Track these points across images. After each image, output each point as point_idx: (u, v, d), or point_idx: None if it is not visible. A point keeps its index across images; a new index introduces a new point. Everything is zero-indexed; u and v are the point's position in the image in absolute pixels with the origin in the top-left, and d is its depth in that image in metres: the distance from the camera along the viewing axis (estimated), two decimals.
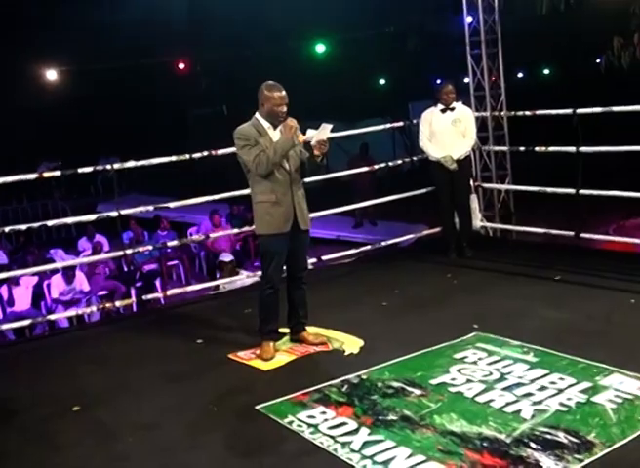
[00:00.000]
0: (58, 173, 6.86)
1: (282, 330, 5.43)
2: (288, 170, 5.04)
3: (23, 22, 18.34)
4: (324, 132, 4.97)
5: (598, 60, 11.34)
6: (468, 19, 8.63)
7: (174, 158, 6.78)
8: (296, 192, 5.09)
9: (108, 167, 6.70)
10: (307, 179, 7.31)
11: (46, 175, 6.69)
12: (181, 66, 19.53)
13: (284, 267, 5.23)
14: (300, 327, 5.37)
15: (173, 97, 21.03)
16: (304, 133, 5.02)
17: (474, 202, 7.93)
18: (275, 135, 5.05)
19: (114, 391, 4.84)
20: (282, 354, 5.18)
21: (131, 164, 6.73)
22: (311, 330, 5.46)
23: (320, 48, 18.99)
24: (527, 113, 7.82)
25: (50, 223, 6.69)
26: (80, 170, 6.50)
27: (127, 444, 4.09)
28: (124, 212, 6.74)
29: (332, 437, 3.88)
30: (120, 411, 4.52)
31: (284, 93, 5.01)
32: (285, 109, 5.00)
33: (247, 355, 5.21)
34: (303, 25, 17.24)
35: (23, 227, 6.52)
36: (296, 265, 5.26)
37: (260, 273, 6.23)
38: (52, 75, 18.33)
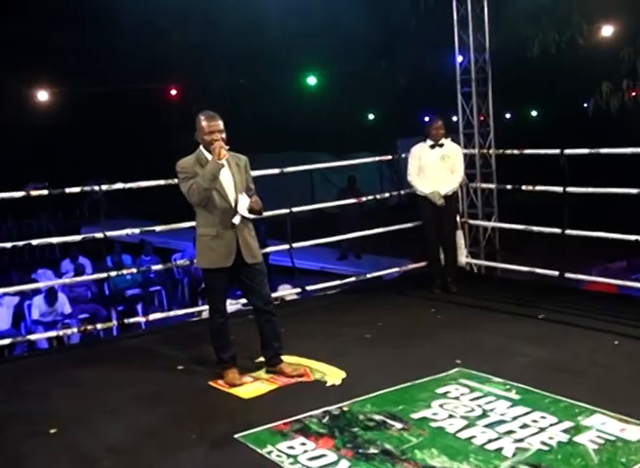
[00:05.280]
0: (45, 192, 6.83)
1: (259, 360, 5.42)
2: (231, 203, 4.99)
3: (16, 42, 18.39)
4: (243, 199, 5.02)
5: (586, 104, 11.52)
6: (459, 59, 8.73)
7: (162, 182, 6.75)
8: (240, 226, 5.03)
9: (96, 188, 6.68)
10: (295, 209, 7.41)
11: (33, 193, 6.65)
12: (173, 92, 19.62)
13: (227, 297, 5.28)
14: (277, 359, 5.29)
15: (163, 123, 21.08)
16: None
17: (460, 238, 7.96)
18: None
19: (92, 414, 4.78)
20: (263, 383, 5.14)
21: (119, 186, 6.72)
22: (293, 360, 5.43)
23: (311, 80, 19.12)
24: (515, 152, 7.88)
25: (34, 242, 6.63)
26: (68, 190, 6.48)
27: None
28: (109, 234, 6.72)
29: None
30: (97, 435, 4.45)
31: (216, 121, 4.98)
32: (217, 137, 4.93)
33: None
34: (296, 57, 17.37)
35: (8, 245, 6.46)
36: (258, 299, 5.17)
37: (243, 301, 6.24)
38: (43, 96, 18.30)
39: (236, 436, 4.25)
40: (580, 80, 13.63)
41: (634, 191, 6.51)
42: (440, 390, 4.81)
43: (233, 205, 5.00)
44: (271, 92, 18.41)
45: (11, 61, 18.03)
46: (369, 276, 8.10)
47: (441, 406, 4.56)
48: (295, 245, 7.45)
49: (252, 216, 5.09)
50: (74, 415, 4.78)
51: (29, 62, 18.27)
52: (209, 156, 4.98)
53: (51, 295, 10.00)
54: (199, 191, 4.90)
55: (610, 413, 4.27)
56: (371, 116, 26.12)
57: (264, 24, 15.19)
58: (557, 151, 7.11)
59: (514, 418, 4.31)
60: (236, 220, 5.00)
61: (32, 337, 7.69)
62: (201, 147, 5.06)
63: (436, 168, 7.29)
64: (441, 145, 7.33)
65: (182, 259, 11.91)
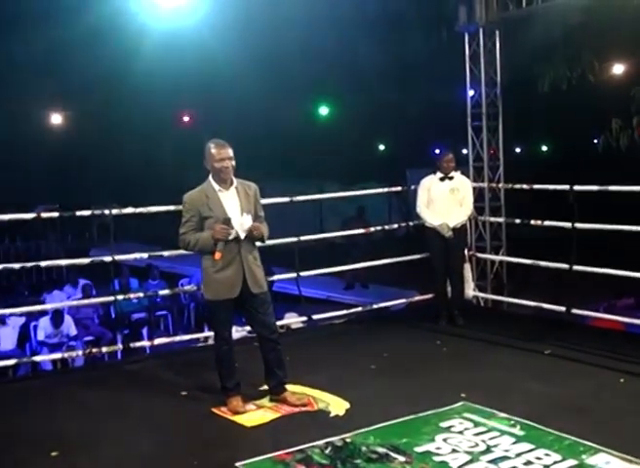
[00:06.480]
0: (56, 214, 6.87)
1: (263, 388, 5.40)
2: (238, 234, 4.97)
3: (29, 65, 18.57)
4: (246, 219, 4.98)
5: (596, 140, 11.57)
6: (470, 93, 8.81)
7: (172, 207, 6.78)
8: (246, 256, 5.02)
9: (106, 212, 6.71)
10: (303, 238, 7.42)
11: (44, 215, 6.69)
12: (186, 119, 19.78)
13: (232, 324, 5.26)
14: (281, 388, 5.27)
15: (174, 148, 21.21)
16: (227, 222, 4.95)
17: (467, 271, 7.95)
18: (226, 197, 5.02)
19: (94, 438, 4.76)
20: (267, 411, 5.12)
21: (129, 210, 6.75)
22: (297, 388, 5.42)
23: (324, 110, 19.26)
24: (524, 186, 7.89)
25: (43, 264, 6.66)
26: (78, 213, 6.52)
27: None
28: (118, 257, 6.74)
29: None
30: (99, 460, 4.44)
31: (226, 149, 5.00)
32: (227, 165, 4.96)
33: None
34: (309, 86, 17.51)
35: (17, 266, 6.49)
36: (263, 328, 5.18)
37: (248, 328, 6.24)
38: (56, 119, 18.47)
39: (238, 464, 4.23)
40: (590, 116, 13.71)
41: None
42: (444, 424, 4.77)
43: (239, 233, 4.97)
44: (283, 121, 18.53)
45: (25, 84, 18.22)
46: (375, 306, 8.09)
47: (445, 440, 4.53)
48: (302, 273, 7.46)
49: (250, 239, 5.05)
50: (76, 439, 4.77)
51: (44, 85, 18.44)
52: (216, 186, 5.02)
53: (57, 317, 10.01)
54: (185, 245, 5.06)
55: (614, 453, 4.23)
56: (381, 147, 26.26)
57: (278, 55, 15.34)
58: (566, 187, 7.13)
59: (518, 455, 4.28)
60: (231, 236, 4.94)
61: (37, 359, 7.68)
62: (210, 177, 5.08)
63: (445, 200, 7.32)
64: (451, 178, 7.36)
65: (190, 285, 11.93)
